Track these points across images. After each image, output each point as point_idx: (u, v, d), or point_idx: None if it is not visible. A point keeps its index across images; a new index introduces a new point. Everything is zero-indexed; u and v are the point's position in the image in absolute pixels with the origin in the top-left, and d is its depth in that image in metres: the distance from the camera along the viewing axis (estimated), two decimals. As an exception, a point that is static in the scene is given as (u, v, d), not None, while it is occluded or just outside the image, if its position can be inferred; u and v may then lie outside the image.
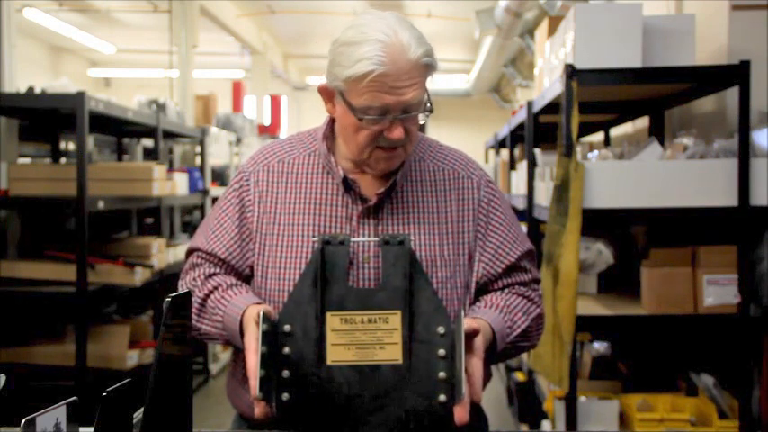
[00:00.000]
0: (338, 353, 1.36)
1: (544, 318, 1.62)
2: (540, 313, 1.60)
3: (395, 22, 1.43)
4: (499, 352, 1.50)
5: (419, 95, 1.41)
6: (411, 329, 1.37)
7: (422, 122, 1.45)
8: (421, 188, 1.55)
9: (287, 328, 1.36)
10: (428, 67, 1.43)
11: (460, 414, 1.28)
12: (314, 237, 1.47)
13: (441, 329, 1.36)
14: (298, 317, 1.37)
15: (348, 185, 1.51)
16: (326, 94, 1.49)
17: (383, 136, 1.43)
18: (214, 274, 1.55)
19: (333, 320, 1.37)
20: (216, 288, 1.52)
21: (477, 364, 1.34)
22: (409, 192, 1.54)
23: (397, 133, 1.42)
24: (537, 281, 1.63)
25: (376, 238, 1.46)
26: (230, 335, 1.47)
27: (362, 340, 1.36)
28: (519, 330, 1.53)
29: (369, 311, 1.37)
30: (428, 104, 1.44)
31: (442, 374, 1.35)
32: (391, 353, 1.36)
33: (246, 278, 1.57)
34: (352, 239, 1.45)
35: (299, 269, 1.47)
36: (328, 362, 1.36)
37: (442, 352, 1.35)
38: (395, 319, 1.37)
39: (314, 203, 1.53)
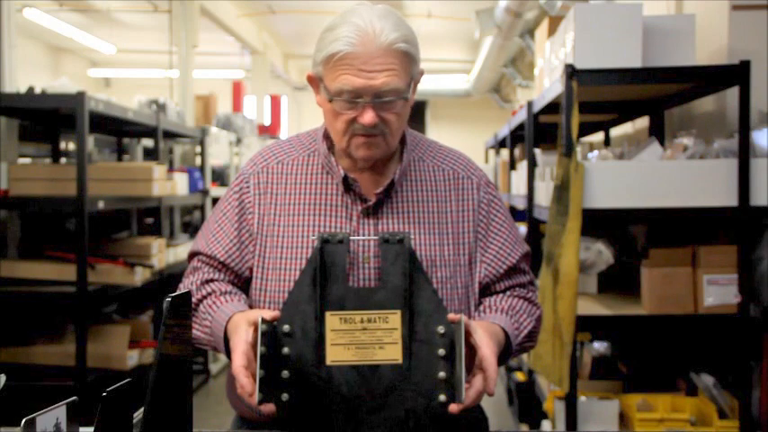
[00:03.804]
0: (338, 353, 1.36)
1: (542, 318, 1.64)
2: (541, 315, 1.62)
3: (378, 10, 1.44)
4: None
5: (393, 82, 1.40)
6: (411, 329, 1.37)
7: (397, 111, 1.43)
8: (421, 188, 1.55)
9: (286, 328, 1.36)
10: (405, 55, 1.42)
11: (452, 407, 1.30)
12: (313, 236, 1.46)
13: (440, 329, 1.36)
14: (297, 317, 1.37)
15: (348, 185, 1.51)
16: (313, 82, 1.50)
17: (358, 122, 1.43)
18: (211, 280, 1.56)
19: (332, 320, 1.37)
20: (209, 294, 1.53)
21: (489, 357, 1.33)
22: (409, 191, 1.54)
23: (368, 118, 1.41)
24: (533, 282, 1.65)
25: (375, 237, 1.46)
26: (216, 341, 1.48)
27: (362, 340, 1.36)
28: (525, 332, 1.55)
29: (368, 311, 1.37)
30: (405, 95, 1.43)
31: (441, 374, 1.35)
32: (391, 353, 1.36)
33: (247, 280, 1.57)
34: (352, 237, 1.45)
35: (299, 269, 1.47)
36: (328, 362, 1.36)
37: (441, 352, 1.35)
38: (395, 318, 1.37)
39: (314, 204, 1.53)
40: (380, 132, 1.45)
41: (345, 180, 1.51)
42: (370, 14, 1.42)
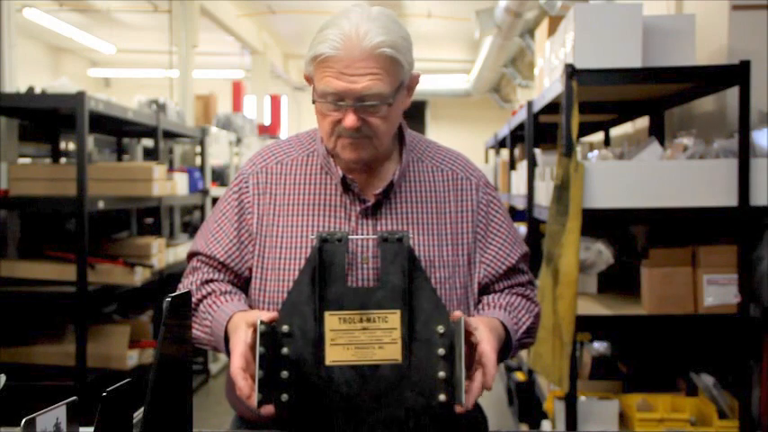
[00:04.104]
0: (337, 353, 1.36)
1: (541, 316, 1.64)
2: (539, 312, 1.62)
3: (370, 12, 1.43)
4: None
5: (375, 87, 1.39)
6: (410, 329, 1.36)
7: (381, 115, 1.42)
8: (419, 188, 1.55)
9: (285, 328, 1.36)
10: (391, 60, 1.40)
11: (458, 408, 1.30)
12: (312, 235, 1.45)
13: (440, 329, 1.36)
14: (296, 317, 1.37)
15: (347, 185, 1.51)
16: (308, 81, 1.50)
17: (342, 125, 1.43)
18: (211, 280, 1.56)
19: (331, 320, 1.36)
20: (209, 294, 1.52)
21: (489, 353, 1.33)
22: (408, 192, 1.54)
23: (349, 121, 1.41)
24: (532, 282, 1.65)
25: (374, 236, 1.46)
26: (216, 341, 1.47)
27: (361, 340, 1.36)
28: (524, 327, 1.55)
29: (368, 311, 1.37)
30: (389, 100, 1.42)
31: (441, 374, 1.34)
32: (390, 352, 1.36)
33: (246, 280, 1.56)
34: (351, 236, 1.44)
35: (298, 269, 1.47)
36: (327, 362, 1.36)
37: (441, 351, 1.35)
38: (394, 318, 1.37)
39: (313, 204, 1.52)
40: (365, 135, 1.44)
41: (344, 180, 1.51)
42: (360, 17, 1.40)
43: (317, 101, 1.44)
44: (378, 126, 1.44)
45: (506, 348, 1.50)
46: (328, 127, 1.46)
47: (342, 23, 1.40)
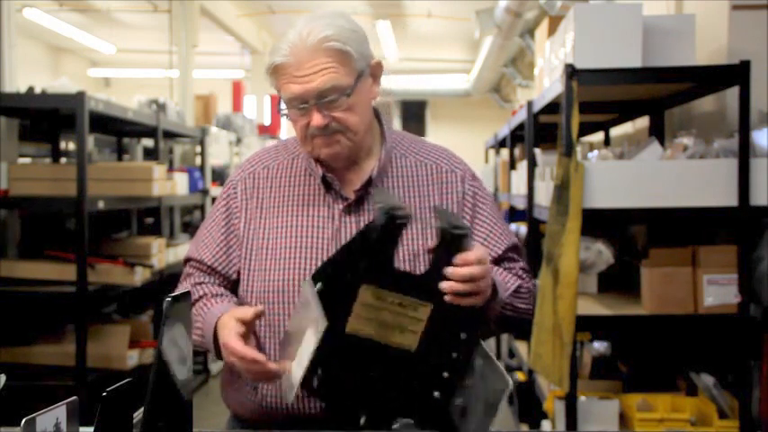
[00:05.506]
0: (359, 324, 1.34)
1: (534, 295, 1.61)
2: (529, 287, 1.59)
3: (319, 14, 1.45)
4: (502, 307, 1.50)
5: (330, 81, 1.42)
6: (435, 326, 1.35)
7: (346, 108, 1.44)
8: (402, 183, 1.57)
9: (319, 285, 1.32)
10: (339, 52, 1.43)
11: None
12: (380, 205, 1.35)
13: (463, 335, 1.35)
14: (334, 277, 1.33)
15: (327, 184, 1.54)
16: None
17: (311, 127, 1.46)
18: (202, 283, 1.60)
19: (365, 293, 1.34)
20: (201, 297, 1.56)
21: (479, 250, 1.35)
22: (390, 187, 1.56)
23: (316, 120, 1.44)
24: (525, 269, 1.63)
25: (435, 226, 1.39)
26: (206, 342, 1.50)
27: (386, 319, 1.34)
28: (512, 288, 1.54)
29: (403, 296, 1.34)
30: (347, 92, 1.44)
31: (445, 374, 1.35)
32: (408, 340, 1.35)
33: (234, 283, 1.60)
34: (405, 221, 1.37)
35: (283, 270, 1.50)
36: (347, 330, 1.34)
37: (454, 355, 1.35)
38: (424, 310, 1.35)
39: (297, 205, 1.55)
40: (336, 130, 1.47)
41: (324, 179, 1.53)
42: (305, 20, 1.45)
43: (284, 110, 1.47)
44: (345, 119, 1.47)
45: (494, 295, 1.44)
46: (301, 132, 1.50)
47: (290, 31, 1.44)
